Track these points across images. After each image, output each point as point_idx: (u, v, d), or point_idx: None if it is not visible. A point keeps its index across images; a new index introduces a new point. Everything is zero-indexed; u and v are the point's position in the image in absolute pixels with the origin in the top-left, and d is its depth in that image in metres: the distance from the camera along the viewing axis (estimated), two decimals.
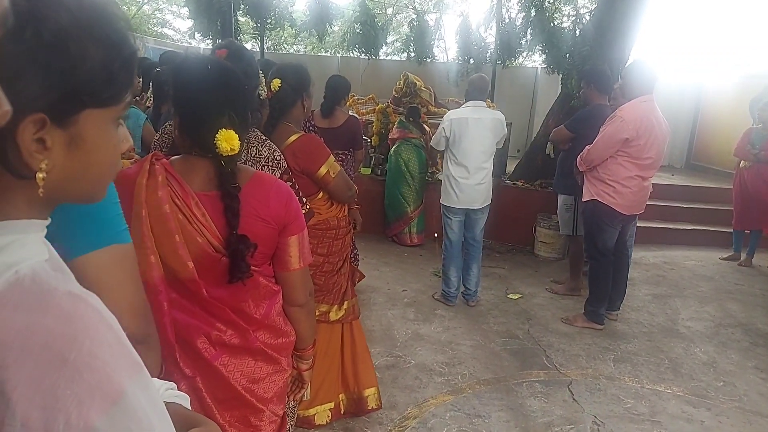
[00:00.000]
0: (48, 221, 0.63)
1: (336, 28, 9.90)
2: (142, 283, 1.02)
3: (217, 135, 1.24)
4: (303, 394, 1.73)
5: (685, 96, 9.79)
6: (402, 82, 6.48)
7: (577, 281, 4.69)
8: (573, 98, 5.66)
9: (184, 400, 0.83)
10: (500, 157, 4.36)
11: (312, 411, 2.62)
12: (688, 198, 7.34)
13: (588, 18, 6.45)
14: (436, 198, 4.40)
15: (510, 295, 4.64)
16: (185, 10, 12.06)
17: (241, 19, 8.67)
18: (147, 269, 1.24)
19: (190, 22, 9.11)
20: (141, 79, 3.80)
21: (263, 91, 1.97)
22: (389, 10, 10.26)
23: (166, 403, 0.66)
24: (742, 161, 5.72)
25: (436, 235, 5.57)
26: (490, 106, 4.85)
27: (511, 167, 7.03)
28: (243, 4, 7.94)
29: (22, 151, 0.55)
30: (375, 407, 2.77)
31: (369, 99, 6.92)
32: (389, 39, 11.75)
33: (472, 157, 4.06)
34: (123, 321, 0.96)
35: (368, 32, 8.64)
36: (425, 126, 6.04)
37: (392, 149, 5.89)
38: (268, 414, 1.43)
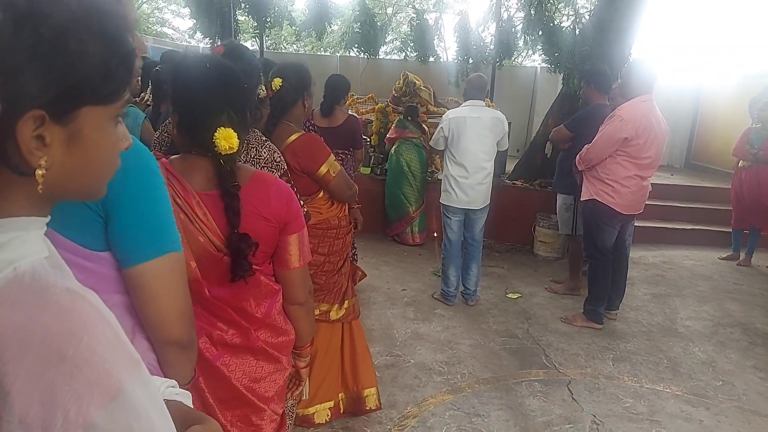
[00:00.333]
0: (48, 218, 0.63)
1: (335, 28, 9.89)
2: None
3: (215, 133, 1.24)
4: (301, 393, 1.73)
5: (685, 96, 9.80)
6: (401, 81, 6.48)
7: (576, 281, 4.69)
8: (578, 98, 5.65)
9: (185, 397, 0.84)
10: (500, 156, 4.36)
11: (311, 410, 2.62)
12: (687, 198, 7.35)
13: (587, 17, 6.44)
14: (437, 197, 4.41)
15: (509, 295, 4.65)
16: (184, 10, 12.06)
17: (241, 18, 8.66)
18: None
19: (189, 22, 9.12)
20: (140, 78, 3.80)
21: (262, 91, 1.97)
22: (389, 10, 10.26)
23: (168, 401, 0.66)
24: (741, 161, 5.73)
25: (435, 234, 5.58)
26: (489, 106, 4.85)
27: (510, 167, 7.03)
28: (243, 3, 7.94)
29: (22, 148, 0.55)
30: (374, 408, 2.77)
31: (368, 98, 6.93)
32: (388, 38, 11.75)
33: (470, 157, 4.06)
34: (174, 328, 1.00)
35: (368, 31, 8.64)
36: (424, 125, 6.04)
37: (393, 149, 5.88)
38: (269, 413, 1.44)
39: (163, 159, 1.31)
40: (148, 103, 3.80)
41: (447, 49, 11.61)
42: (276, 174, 1.76)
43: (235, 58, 1.50)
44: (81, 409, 0.50)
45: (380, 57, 10.57)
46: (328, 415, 2.67)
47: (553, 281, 4.96)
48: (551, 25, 6.92)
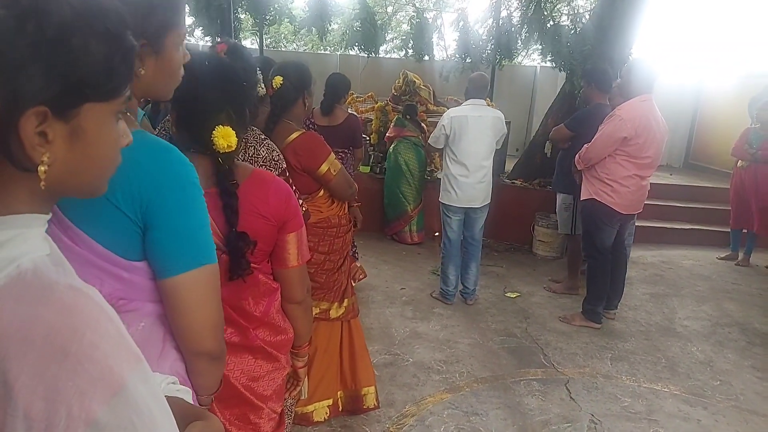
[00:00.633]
0: (49, 216, 0.63)
1: (335, 26, 9.87)
2: None
3: (214, 132, 1.23)
4: (299, 392, 1.73)
5: (684, 95, 9.80)
6: (401, 80, 6.48)
7: (575, 280, 4.70)
8: (577, 97, 5.65)
9: (186, 394, 0.84)
10: (499, 155, 4.37)
11: (310, 408, 2.63)
12: (686, 197, 7.36)
13: (587, 17, 6.44)
14: (436, 196, 4.41)
15: (508, 294, 4.65)
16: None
17: (241, 16, 8.65)
18: None
19: (188, 19, 9.07)
20: None
21: (262, 89, 1.97)
22: (389, 9, 10.24)
23: (168, 397, 0.66)
24: (740, 161, 5.74)
25: (437, 233, 5.58)
26: (489, 105, 4.85)
27: (509, 166, 7.04)
28: (242, 0, 7.93)
29: (25, 144, 0.55)
30: (372, 407, 2.78)
31: (368, 97, 6.92)
32: (388, 37, 11.72)
33: (471, 156, 4.06)
34: (207, 340, 1.00)
35: (368, 29, 8.62)
36: (423, 124, 6.04)
37: (391, 148, 5.88)
38: (267, 411, 1.44)
39: None
40: (148, 100, 3.80)
41: (447, 48, 11.60)
42: (275, 173, 1.77)
43: (232, 57, 1.50)
44: (84, 405, 0.50)
45: (380, 56, 10.56)
46: (326, 413, 2.67)
47: (551, 280, 4.96)
48: (549, 24, 6.91)
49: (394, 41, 13.12)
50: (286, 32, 15.04)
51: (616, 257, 4.05)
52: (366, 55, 9.52)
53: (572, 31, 6.63)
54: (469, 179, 4.08)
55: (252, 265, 1.32)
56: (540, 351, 3.66)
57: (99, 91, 0.60)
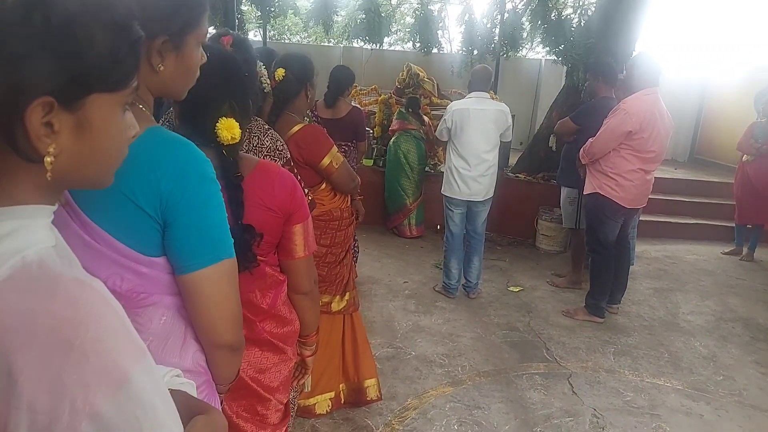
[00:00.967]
0: (56, 207, 0.63)
1: (339, 18, 9.80)
2: None
3: (217, 124, 1.23)
4: (304, 384, 1.74)
5: (690, 90, 9.73)
6: (405, 73, 6.45)
7: (578, 274, 4.69)
8: (581, 91, 5.62)
9: (189, 387, 0.84)
10: (503, 149, 4.35)
11: (312, 400, 2.64)
12: (691, 192, 7.32)
13: (592, 10, 6.40)
14: (436, 189, 4.39)
15: (511, 288, 4.65)
16: None
17: (245, 8, 8.61)
18: None
19: None
20: None
21: (267, 84, 1.96)
22: (393, 0, 10.16)
23: (172, 391, 0.66)
24: (745, 155, 5.71)
25: (438, 227, 5.57)
26: (493, 98, 4.83)
27: (513, 159, 7.02)
28: None
29: (31, 135, 0.55)
30: (375, 398, 2.79)
31: (371, 90, 6.89)
32: (393, 29, 11.64)
33: (473, 149, 4.04)
34: (226, 333, 1.01)
35: (373, 19, 8.55)
36: (425, 117, 6.02)
37: (391, 140, 5.87)
38: (274, 403, 1.45)
39: None
40: None
41: (451, 41, 11.54)
42: (279, 162, 1.76)
43: (237, 49, 1.49)
44: (88, 398, 0.50)
45: (384, 48, 10.50)
46: (329, 406, 2.68)
47: (554, 275, 4.96)
48: (553, 17, 6.87)
49: (399, 33, 13.06)
50: (290, 24, 14.99)
51: (619, 252, 4.04)
52: (370, 48, 9.47)
53: (577, 24, 6.59)
54: (471, 172, 4.07)
55: (258, 257, 1.32)
56: (543, 345, 3.66)
57: (105, 81, 0.59)
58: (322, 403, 2.67)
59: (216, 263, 0.96)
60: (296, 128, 2.28)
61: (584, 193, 4.01)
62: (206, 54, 1.18)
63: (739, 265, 5.70)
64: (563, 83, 6.38)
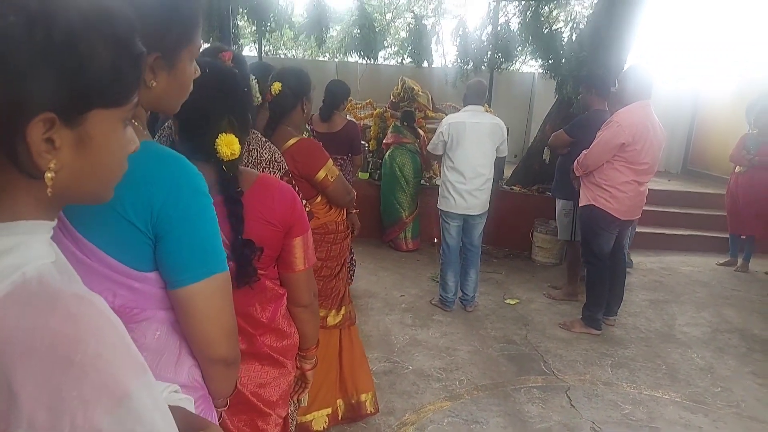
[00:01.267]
0: (55, 222, 0.63)
1: (334, 33, 9.88)
2: None
3: (217, 140, 1.23)
4: (301, 399, 1.73)
5: (682, 101, 9.83)
6: (399, 86, 6.50)
7: (574, 286, 4.70)
8: (572, 104, 5.67)
9: (187, 402, 0.83)
10: (498, 162, 4.37)
11: (309, 417, 2.61)
12: (685, 204, 7.36)
13: (584, 23, 6.47)
14: (432, 203, 4.40)
15: (507, 301, 4.64)
16: None
17: (240, 23, 8.66)
18: None
19: None
20: None
21: (258, 98, 1.97)
22: (388, 15, 10.27)
23: (171, 407, 0.65)
24: (738, 166, 5.76)
25: (435, 240, 5.57)
26: (487, 111, 4.86)
27: (508, 172, 7.05)
28: (241, 7, 7.94)
29: (32, 151, 0.55)
30: (372, 411, 2.77)
31: (366, 104, 6.93)
32: (387, 43, 11.74)
33: (469, 163, 4.05)
34: (221, 347, 1.01)
35: (367, 36, 8.63)
36: (420, 130, 6.05)
37: (387, 154, 5.89)
38: (274, 417, 1.45)
39: None
40: None
41: (445, 54, 11.65)
42: (277, 174, 1.77)
43: (235, 64, 1.50)
44: (87, 414, 0.50)
45: (378, 62, 10.59)
46: (326, 422, 2.66)
47: (551, 287, 4.96)
48: (545, 31, 6.94)
49: (393, 47, 13.17)
50: (286, 39, 15.07)
51: (615, 263, 4.05)
52: (365, 62, 9.54)
53: (568, 38, 6.65)
54: (467, 185, 4.08)
55: (259, 271, 1.32)
56: (540, 358, 3.65)
57: (106, 97, 0.59)
58: (319, 419, 2.64)
59: (209, 277, 0.95)
60: (292, 141, 2.29)
61: (579, 205, 4.03)
62: (204, 69, 1.19)
63: (734, 276, 5.72)
64: (556, 96, 6.44)
